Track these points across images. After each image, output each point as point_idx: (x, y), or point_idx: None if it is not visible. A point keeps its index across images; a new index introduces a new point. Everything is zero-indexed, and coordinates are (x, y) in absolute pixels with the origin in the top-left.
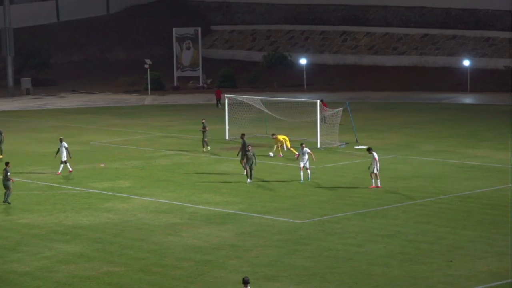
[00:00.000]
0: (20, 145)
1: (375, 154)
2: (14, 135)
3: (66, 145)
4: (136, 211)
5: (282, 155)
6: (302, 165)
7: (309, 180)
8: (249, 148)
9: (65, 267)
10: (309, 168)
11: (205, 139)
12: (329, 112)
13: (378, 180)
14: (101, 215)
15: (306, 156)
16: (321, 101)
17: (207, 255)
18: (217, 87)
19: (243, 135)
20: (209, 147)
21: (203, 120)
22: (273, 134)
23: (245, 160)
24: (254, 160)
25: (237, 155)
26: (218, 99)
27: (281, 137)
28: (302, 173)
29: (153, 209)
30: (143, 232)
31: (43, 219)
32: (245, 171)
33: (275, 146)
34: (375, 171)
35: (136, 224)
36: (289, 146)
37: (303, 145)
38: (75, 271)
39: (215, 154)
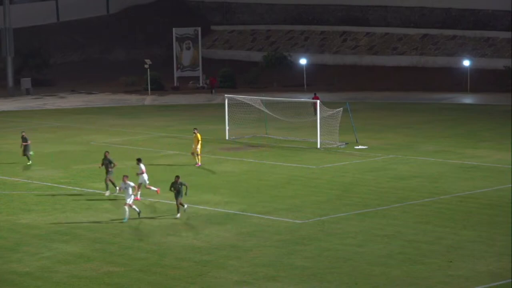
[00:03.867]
0: (20, 145)
1: (143, 166)
2: (14, 135)
3: (143, 167)
4: (135, 212)
5: (200, 164)
6: (128, 201)
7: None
8: (177, 180)
9: (65, 267)
10: (133, 204)
11: (29, 153)
12: (329, 112)
13: (139, 193)
14: (101, 215)
15: (130, 191)
16: (314, 94)
17: (206, 255)
18: (212, 76)
19: (138, 160)
20: (30, 161)
21: (23, 133)
22: (195, 129)
23: (174, 193)
24: (186, 191)
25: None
26: (212, 87)
27: (199, 136)
28: (127, 210)
29: (153, 209)
30: (143, 232)
31: (43, 219)
32: (107, 191)
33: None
34: (146, 182)
35: (136, 224)
36: (199, 151)
37: (126, 177)
38: (75, 271)
39: (215, 155)
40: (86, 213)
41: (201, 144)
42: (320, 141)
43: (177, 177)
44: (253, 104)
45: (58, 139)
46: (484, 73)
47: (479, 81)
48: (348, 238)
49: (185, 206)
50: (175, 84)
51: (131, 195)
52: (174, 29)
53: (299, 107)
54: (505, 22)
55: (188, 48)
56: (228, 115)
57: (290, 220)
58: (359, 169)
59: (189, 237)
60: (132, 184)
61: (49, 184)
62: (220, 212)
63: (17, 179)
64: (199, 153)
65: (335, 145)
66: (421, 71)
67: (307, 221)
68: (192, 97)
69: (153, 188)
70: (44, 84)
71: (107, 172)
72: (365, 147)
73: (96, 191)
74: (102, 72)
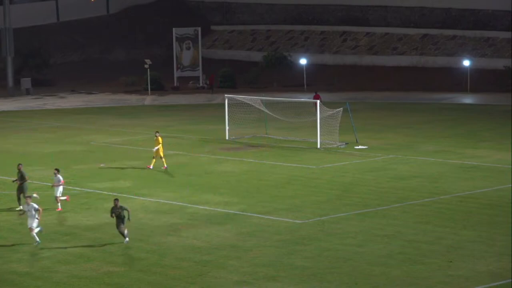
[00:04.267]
0: (20, 145)
1: (61, 177)
2: (14, 135)
3: (61, 178)
4: (136, 211)
5: (166, 167)
6: (32, 225)
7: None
8: (117, 204)
9: (65, 267)
10: (37, 229)
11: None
12: (329, 112)
13: (59, 204)
14: (101, 215)
15: (34, 213)
16: (315, 93)
17: (207, 255)
18: (212, 73)
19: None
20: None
21: (20, 166)
22: (156, 132)
23: (116, 221)
24: (128, 216)
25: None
26: (211, 85)
27: (160, 139)
28: (35, 234)
29: (153, 209)
30: (143, 232)
31: (43, 219)
32: (19, 208)
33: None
34: (58, 194)
35: (136, 224)
36: (161, 154)
37: (28, 198)
38: (75, 271)
39: (215, 155)
40: (86, 213)
41: (161, 146)
42: (320, 141)
43: (116, 200)
44: (253, 104)
45: (58, 139)
46: (484, 73)
47: (479, 81)
48: (348, 238)
49: (126, 239)
50: (175, 84)
51: (34, 218)
52: (174, 29)
53: (299, 107)
54: (505, 22)
55: (188, 48)
56: (228, 115)
57: (290, 220)
58: (359, 169)
59: (189, 237)
60: (35, 206)
61: (49, 184)
62: (220, 212)
63: (16, 180)
64: (162, 155)
65: (335, 145)
66: (421, 71)
67: (307, 221)
68: (192, 97)
69: (62, 198)
70: (44, 84)
71: (20, 186)
72: (365, 147)
73: (96, 191)
74: (102, 72)
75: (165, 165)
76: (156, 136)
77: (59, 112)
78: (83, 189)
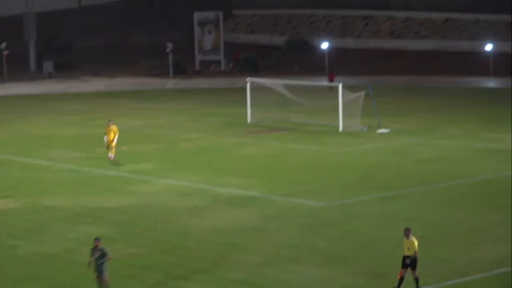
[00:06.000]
0: (43, 128)
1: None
2: (38, 119)
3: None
4: (159, 194)
5: (113, 156)
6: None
7: None
8: (98, 243)
9: (88, 249)
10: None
11: None
12: (351, 96)
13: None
14: (124, 197)
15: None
16: (330, 71)
17: (229, 238)
18: (236, 50)
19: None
20: None
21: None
22: (109, 120)
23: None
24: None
25: None
26: (237, 60)
27: (114, 128)
28: None
29: (176, 192)
30: (166, 214)
31: (67, 201)
32: None
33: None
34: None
35: (159, 206)
36: (114, 144)
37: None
38: None
39: (237, 138)
40: (109, 195)
41: (117, 136)
42: (342, 124)
43: (97, 240)
44: (275, 88)
45: (81, 122)
46: (507, 57)
47: (502, 65)
48: (370, 221)
49: None
50: (196, 68)
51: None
52: (195, 13)
53: (321, 91)
54: None
55: (210, 32)
56: (250, 98)
57: (313, 203)
58: (381, 153)
59: (212, 219)
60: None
61: (73, 166)
62: (242, 195)
63: (40, 162)
64: (113, 145)
65: (358, 129)
66: (444, 55)
67: (330, 204)
68: (213, 80)
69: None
70: (66, 68)
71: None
72: (388, 130)
73: (119, 173)
74: (124, 56)
75: (113, 155)
76: (109, 125)
77: (81, 95)
78: (106, 171)
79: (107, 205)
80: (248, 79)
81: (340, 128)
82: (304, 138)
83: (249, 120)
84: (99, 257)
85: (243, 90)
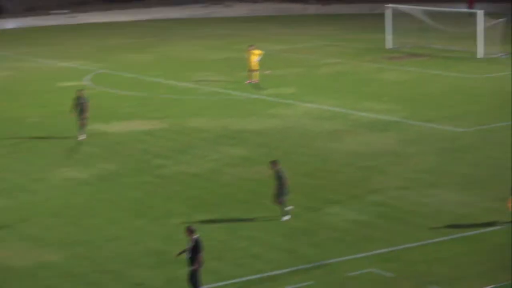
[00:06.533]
0: (188, 52)
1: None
2: (183, 43)
3: None
4: (300, 117)
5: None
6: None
7: None
8: (191, 233)
9: (231, 169)
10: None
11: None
12: (491, 22)
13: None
14: (265, 120)
15: None
16: None
17: (369, 161)
18: None
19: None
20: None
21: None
22: (250, 46)
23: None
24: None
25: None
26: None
27: (256, 52)
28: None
29: (316, 116)
30: (307, 138)
31: (211, 123)
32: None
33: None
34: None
35: (300, 130)
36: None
37: None
38: (242, 174)
39: (376, 63)
40: (252, 118)
41: (259, 59)
42: (481, 51)
43: (189, 229)
44: (414, 14)
45: (224, 46)
46: None
47: None
48: (509, 146)
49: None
50: None
51: None
52: None
53: (461, 17)
54: None
55: None
56: (389, 24)
57: (452, 128)
58: None
59: (351, 143)
60: None
61: (216, 89)
62: (382, 120)
63: (186, 85)
64: (256, 69)
65: (497, 55)
66: None
67: (468, 129)
68: (354, 6)
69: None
70: None
71: (81, 113)
72: None
73: (261, 97)
74: None
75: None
76: (249, 50)
77: (224, 20)
78: (248, 94)
79: (250, 128)
80: (387, 5)
81: (479, 55)
82: (443, 64)
83: (388, 46)
84: (192, 249)
85: (383, 16)
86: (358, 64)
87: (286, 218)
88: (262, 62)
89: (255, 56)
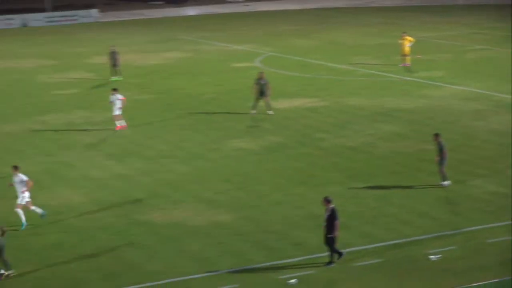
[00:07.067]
0: (348, 38)
1: (23, 177)
2: (344, 29)
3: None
4: (447, 98)
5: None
6: (20, 201)
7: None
8: (327, 203)
9: (385, 144)
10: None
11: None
12: None
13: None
14: (417, 100)
15: (21, 187)
16: None
17: (509, 139)
18: None
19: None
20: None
21: (262, 75)
22: (403, 32)
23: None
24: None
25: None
26: None
27: (409, 39)
28: (20, 212)
29: (463, 97)
30: (453, 116)
31: (368, 102)
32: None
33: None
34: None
35: (447, 109)
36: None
37: (15, 168)
38: (393, 147)
39: None
40: (404, 98)
41: (410, 44)
42: None
43: (326, 199)
44: None
45: (380, 33)
46: None
47: None
48: None
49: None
50: None
51: (23, 193)
52: None
53: None
54: None
55: None
56: None
57: None
58: None
59: (493, 122)
60: (24, 178)
61: (372, 71)
62: None
63: (345, 67)
64: (407, 54)
65: None
66: None
67: None
68: None
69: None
70: None
71: (261, 93)
72: None
73: (414, 79)
74: None
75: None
76: (403, 36)
77: (380, 9)
78: (401, 77)
79: (402, 106)
80: None
81: None
82: None
83: None
84: (328, 217)
85: None
86: (503, 50)
87: (446, 183)
88: (413, 47)
89: (407, 42)
